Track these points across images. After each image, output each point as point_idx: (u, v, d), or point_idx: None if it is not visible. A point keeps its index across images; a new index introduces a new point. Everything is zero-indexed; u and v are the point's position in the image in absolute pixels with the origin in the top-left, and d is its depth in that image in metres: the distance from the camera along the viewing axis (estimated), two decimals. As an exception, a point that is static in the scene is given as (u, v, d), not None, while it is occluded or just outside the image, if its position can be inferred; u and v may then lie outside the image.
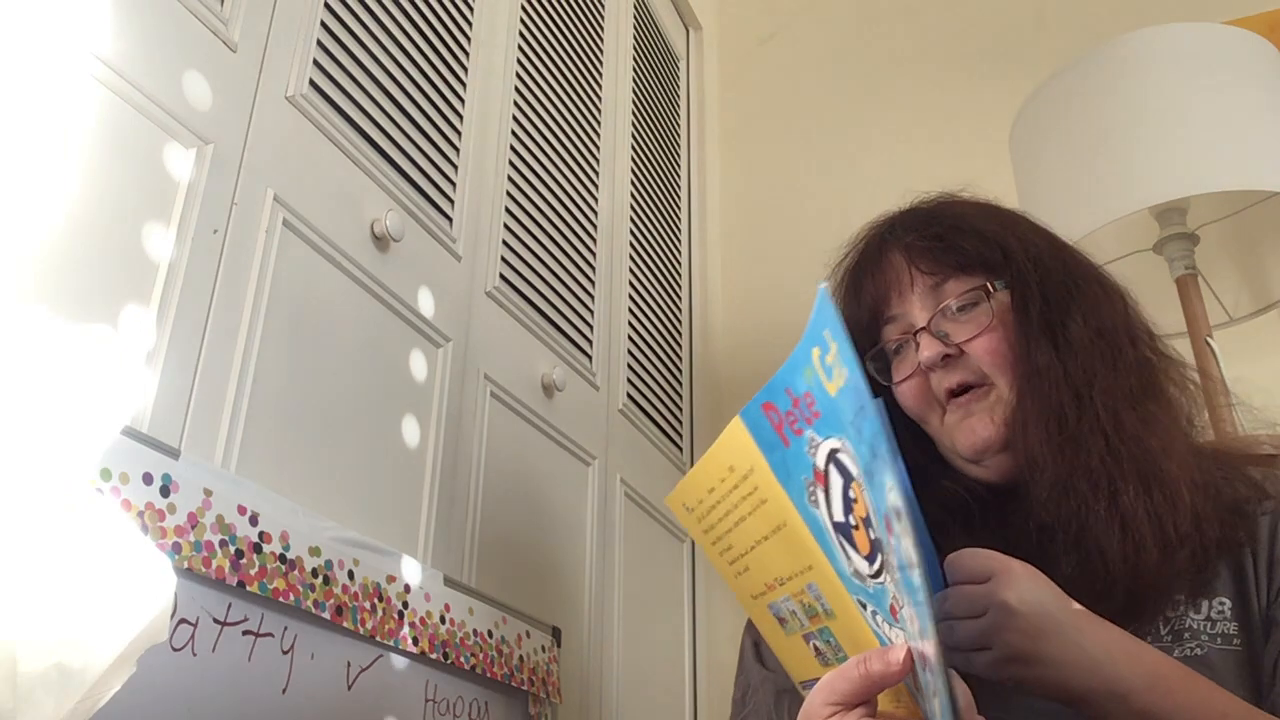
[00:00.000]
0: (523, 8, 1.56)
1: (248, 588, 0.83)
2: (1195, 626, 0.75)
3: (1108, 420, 0.78)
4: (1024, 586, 0.68)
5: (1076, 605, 0.69)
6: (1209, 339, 1.42)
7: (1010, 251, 0.86)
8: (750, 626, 0.91)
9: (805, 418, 0.63)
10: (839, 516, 0.62)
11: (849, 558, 0.62)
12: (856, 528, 0.61)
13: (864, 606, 0.62)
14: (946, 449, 0.86)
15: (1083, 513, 0.75)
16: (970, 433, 0.83)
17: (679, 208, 2.12)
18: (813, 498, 0.64)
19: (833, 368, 0.61)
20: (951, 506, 0.83)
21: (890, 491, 0.56)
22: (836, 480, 0.62)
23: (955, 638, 0.69)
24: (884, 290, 0.88)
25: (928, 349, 0.83)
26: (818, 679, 0.62)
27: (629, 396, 1.70)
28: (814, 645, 0.69)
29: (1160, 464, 0.76)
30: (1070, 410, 0.79)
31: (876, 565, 0.60)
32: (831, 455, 0.61)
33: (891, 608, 0.60)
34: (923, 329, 0.84)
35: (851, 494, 0.61)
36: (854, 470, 0.59)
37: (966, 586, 0.69)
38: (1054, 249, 0.88)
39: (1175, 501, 0.75)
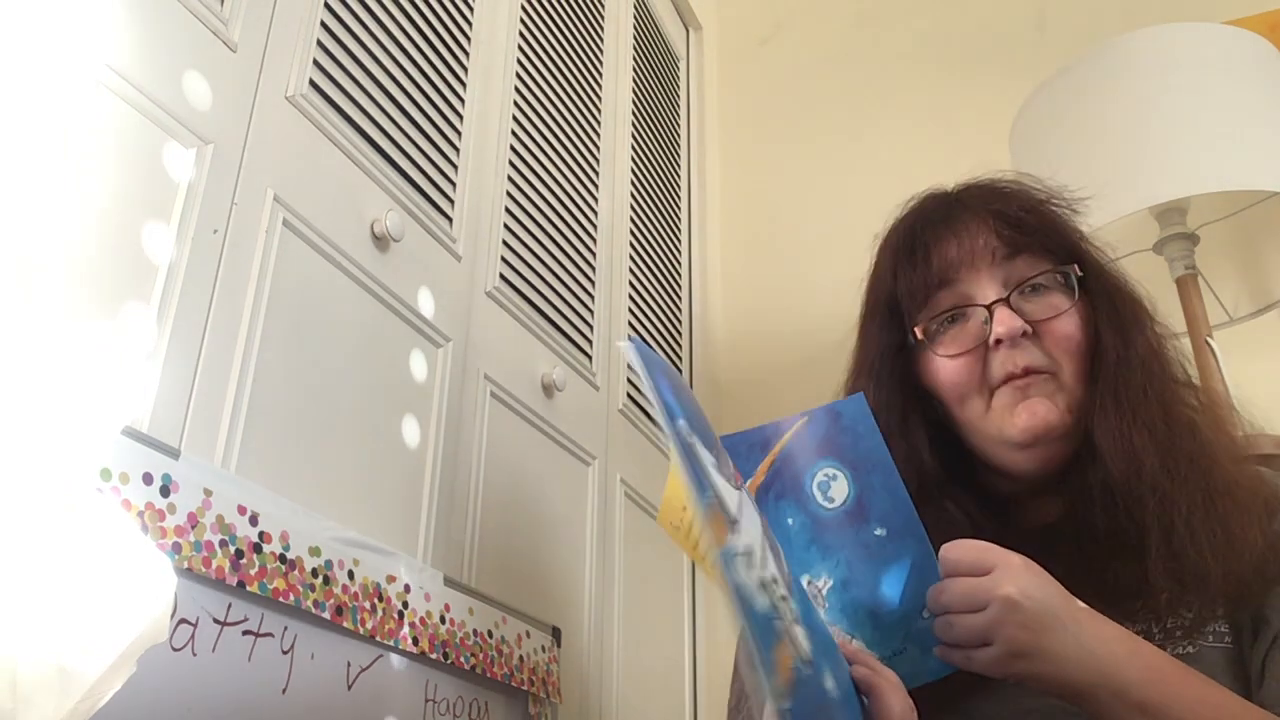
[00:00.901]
0: (523, 8, 1.56)
1: (248, 588, 0.83)
2: (1187, 624, 0.75)
3: (1187, 424, 0.78)
4: (1026, 580, 0.67)
5: (1075, 600, 0.69)
6: (1209, 339, 1.42)
7: (1082, 245, 0.85)
8: None
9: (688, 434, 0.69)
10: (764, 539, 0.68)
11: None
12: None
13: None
14: (985, 435, 0.83)
15: (1167, 516, 0.74)
16: (1031, 414, 0.79)
17: (679, 208, 2.12)
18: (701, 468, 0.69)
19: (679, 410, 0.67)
20: (947, 523, 0.81)
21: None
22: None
23: (954, 633, 0.68)
24: (957, 254, 0.83)
25: (1007, 322, 0.79)
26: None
27: (629, 397, 1.70)
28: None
29: (1231, 474, 0.76)
30: (1156, 409, 0.78)
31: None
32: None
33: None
34: (1000, 301, 0.81)
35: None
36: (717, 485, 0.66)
37: (966, 580, 0.68)
38: (1105, 256, 0.88)
39: (1244, 512, 0.74)
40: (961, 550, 0.69)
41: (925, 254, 0.85)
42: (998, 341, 0.80)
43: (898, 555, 0.71)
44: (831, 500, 0.72)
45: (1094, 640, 0.67)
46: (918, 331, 0.85)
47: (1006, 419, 0.81)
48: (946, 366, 0.83)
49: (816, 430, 0.73)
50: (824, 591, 0.72)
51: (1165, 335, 0.86)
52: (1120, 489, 0.76)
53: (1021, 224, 0.83)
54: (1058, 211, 0.86)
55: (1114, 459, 0.77)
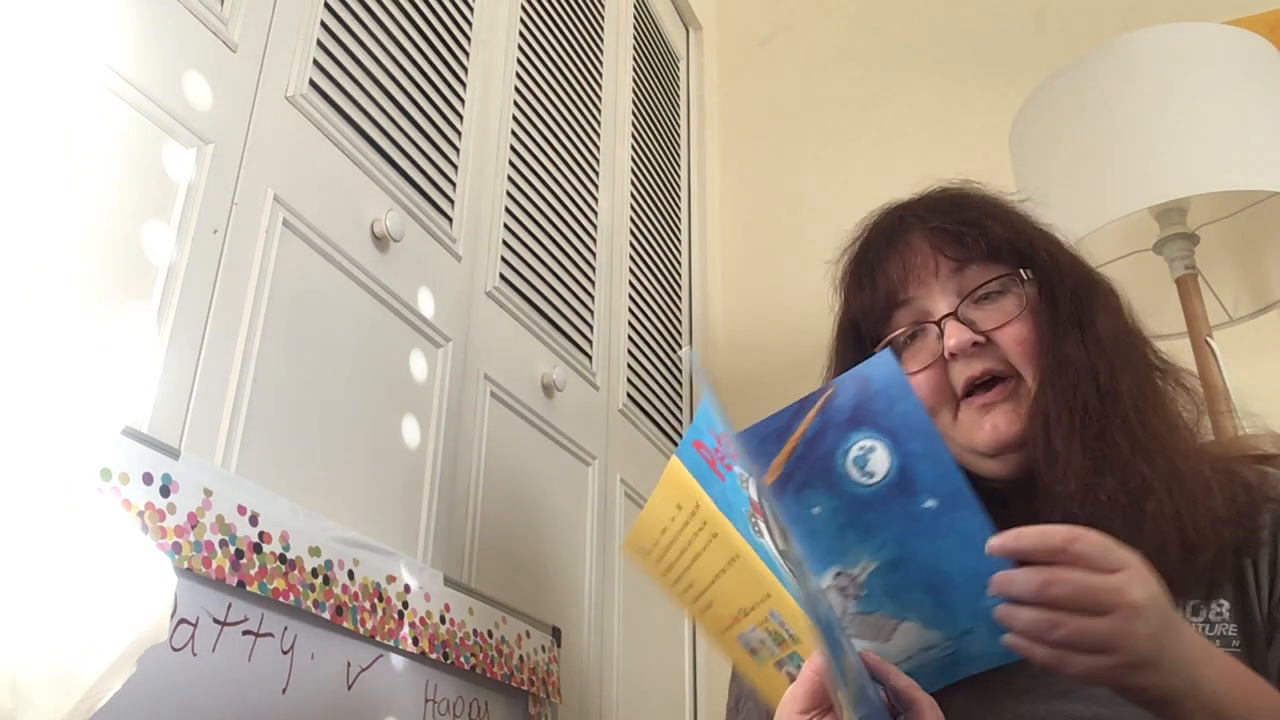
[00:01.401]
0: (523, 8, 1.56)
1: (248, 588, 0.83)
2: (1194, 629, 0.75)
3: (1135, 419, 0.77)
4: (1151, 584, 0.62)
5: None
6: (1209, 339, 1.42)
7: (1035, 243, 0.85)
8: None
9: (731, 455, 0.65)
10: (782, 544, 0.64)
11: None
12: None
13: None
14: (957, 444, 0.83)
15: (1108, 511, 0.73)
16: (994, 428, 0.80)
17: (679, 208, 2.13)
18: (755, 528, 0.65)
19: (724, 418, 0.63)
20: None
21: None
22: (768, 511, 0.64)
23: (1060, 634, 0.61)
24: (902, 274, 0.84)
25: (956, 335, 0.80)
26: None
27: (629, 396, 1.70)
28: (786, 671, 0.69)
29: (1182, 465, 0.75)
30: (1095, 406, 0.77)
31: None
32: (759, 488, 0.64)
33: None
34: (949, 315, 0.81)
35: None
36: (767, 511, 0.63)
37: (1083, 577, 0.61)
38: (1066, 247, 0.88)
39: (1196, 504, 0.73)
40: (1088, 543, 0.61)
41: (871, 276, 0.86)
42: (952, 355, 0.81)
43: (953, 527, 0.64)
44: (871, 475, 0.65)
45: (1190, 645, 0.63)
46: (877, 352, 0.86)
47: (974, 431, 0.81)
48: (913, 383, 0.84)
49: (845, 400, 0.66)
50: (863, 577, 0.66)
51: (1132, 322, 0.86)
52: (1067, 486, 0.76)
53: (962, 236, 0.84)
54: (1001, 216, 0.86)
55: (1053, 458, 0.77)
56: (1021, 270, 0.83)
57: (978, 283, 0.83)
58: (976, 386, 0.82)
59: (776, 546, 0.64)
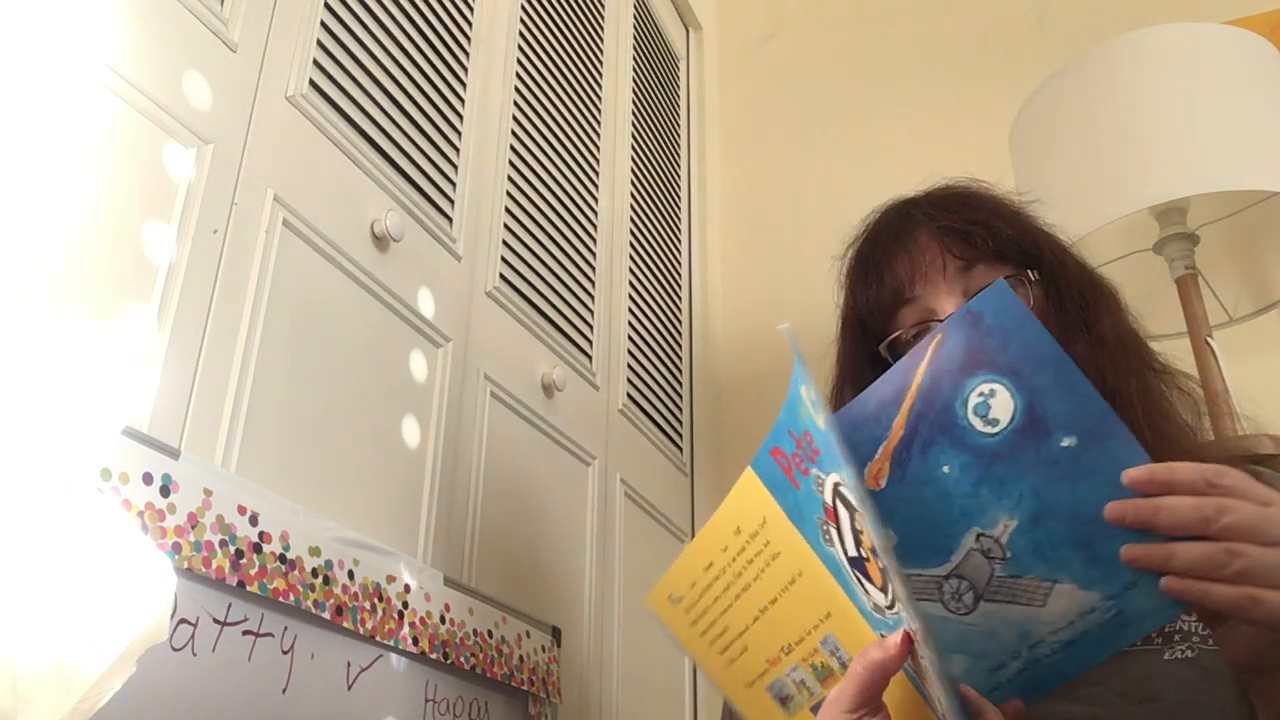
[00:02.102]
0: (523, 8, 1.56)
1: (248, 588, 0.83)
2: (1186, 629, 0.75)
3: (1142, 420, 0.76)
4: None
5: None
6: (1209, 339, 1.42)
7: (1041, 244, 0.85)
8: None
9: (809, 456, 0.61)
10: (851, 551, 0.60)
11: (867, 592, 0.60)
12: (868, 560, 0.59)
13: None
14: None
15: None
16: None
17: (679, 208, 2.12)
18: (827, 536, 0.62)
19: (819, 401, 0.59)
20: None
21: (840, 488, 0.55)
22: (844, 514, 0.60)
23: (1240, 566, 0.54)
24: (909, 271, 0.84)
25: None
26: None
27: (629, 396, 1.70)
28: None
29: (1189, 452, 0.75)
30: (1129, 397, 0.77)
31: (890, 595, 0.59)
32: (836, 490, 0.60)
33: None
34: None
35: (857, 525, 0.59)
36: (854, 500, 0.58)
37: (1258, 506, 0.56)
38: (1070, 249, 0.88)
39: None
40: (1204, 470, 0.56)
41: (878, 273, 0.86)
42: None
43: (1098, 465, 0.57)
44: (995, 423, 0.59)
45: None
46: (881, 350, 0.85)
47: None
48: None
49: (955, 345, 0.60)
50: (1005, 538, 0.59)
51: (1134, 324, 0.86)
52: None
53: (971, 236, 0.84)
54: (1009, 217, 0.86)
55: None
56: (1029, 271, 0.83)
57: (984, 283, 0.82)
58: None
59: (847, 553, 0.60)
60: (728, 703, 0.85)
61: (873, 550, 0.58)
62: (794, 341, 0.59)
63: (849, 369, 0.90)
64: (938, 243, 0.84)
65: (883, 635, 0.60)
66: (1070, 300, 0.82)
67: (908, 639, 0.57)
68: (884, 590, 0.58)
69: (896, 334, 0.85)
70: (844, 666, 0.63)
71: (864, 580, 0.60)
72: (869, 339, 0.88)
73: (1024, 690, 0.61)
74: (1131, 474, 0.56)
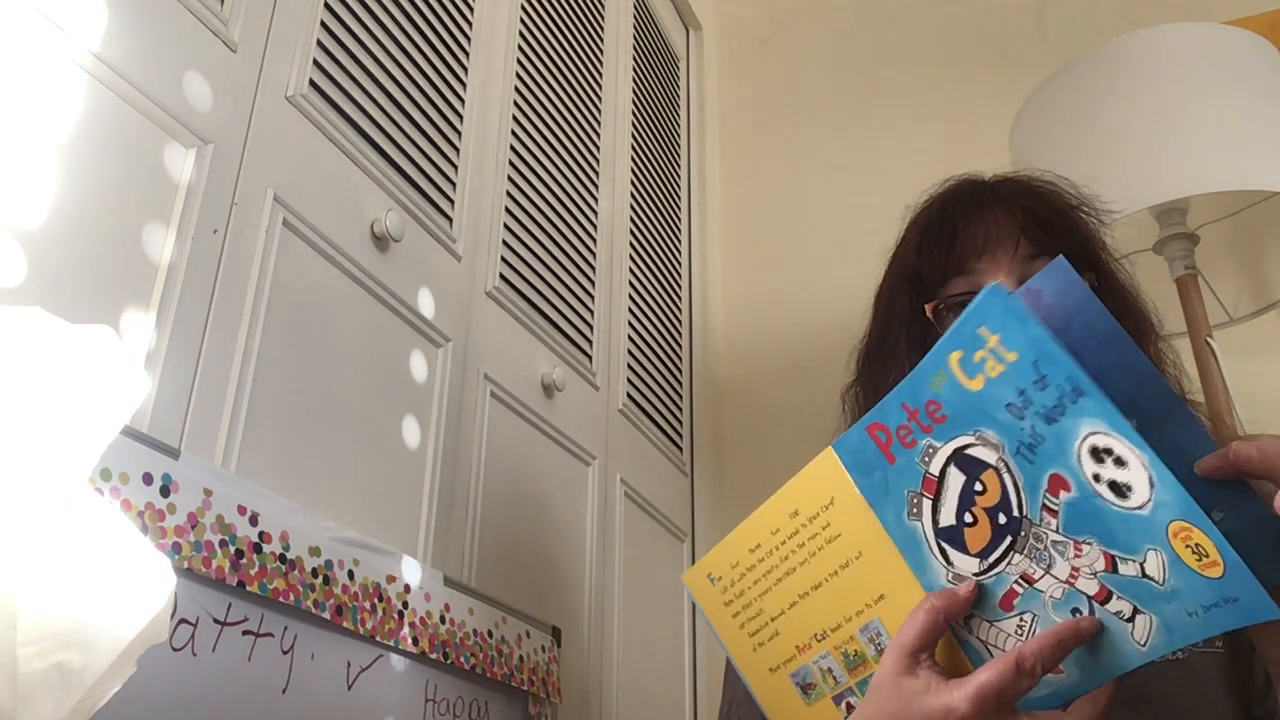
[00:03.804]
0: (523, 8, 1.56)
1: (248, 588, 0.83)
2: None
3: None
4: None
5: None
6: (1209, 339, 1.42)
7: (1102, 254, 0.85)
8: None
9: (923, 426, 0.62)
10: (948, 520, 0.61)
11: (949, 564, 0.61)
12: (973, 524, 0.60)
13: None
14: None
15: None
16: None
17: (679, 208, 2.12)
18: (914, 511, 0.63)
19: (982, 362, 0.58)
20: None
21: (1089, 436, 0.53)
22: (956, 480, 0.60)
23: None
24: (980, 241, 0.83)
25: None
26: None
27: (629, 396, 1.70)
28: (846, 704, 0.67)
29: None
30: None
31: (993, 557, 0.59)
32: (955, 456, 0.61)
33: (1010, 593, 0.59)
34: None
35: (978, 486, 0.60)
36: (989, 458, 0.59)
37: None
38: (1123, 268, 0.88)
39: None
40: None
41: (952, 234, 0.85)
42: None
43: (1159, 448, 0.53)
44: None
45: None
46: (928, 309, 0.85)
47: None
48: None
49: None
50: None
51: (1166, 350, 0.86)
52: None
53: (1049, 225, 0.84)
54: (1085, 219, 0.86)
55: None
56: (1092, 275, 0.83)
57: None
58: None
59: (939, 524, 0.61)
60: (731, 664, 0.83)
61: (992, 509, 0.59)
62: (1001, 294, 0.56)
63: (905, 321, 0.89)
64: (1015, 223, 0.84)
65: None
66: (1119, 311, 0.82)
67: (975, 588, 0.59)
68: (981, 555, 0.59)
69: (945, 297, 0.84)
70: (879, 654, 0.64)
71: (951, 550, 0.61)
72: (915, 297, 0.88)
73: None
74: (1203, 463, 0.56)
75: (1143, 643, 0.56)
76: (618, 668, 1.49)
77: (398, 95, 1.21)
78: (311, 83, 1.07)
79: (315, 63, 1.09)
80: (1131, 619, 0.56)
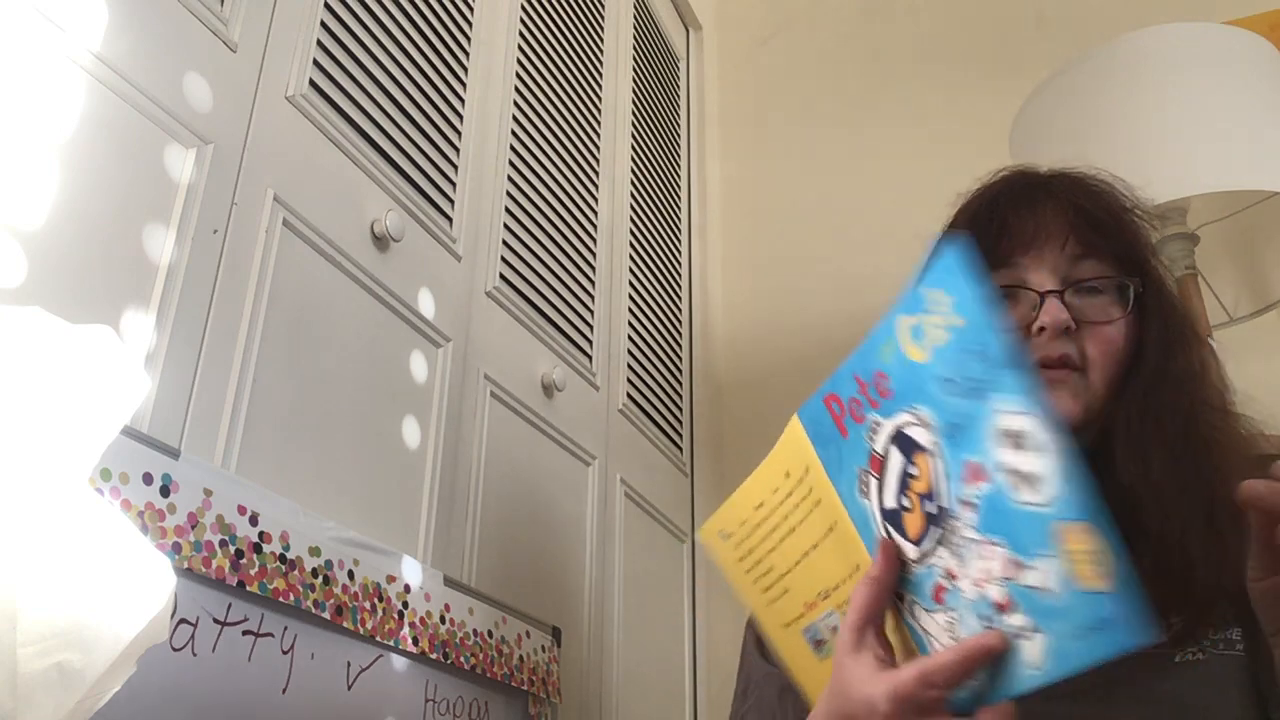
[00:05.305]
0: (523, 8, 1.56)
1: (248, 588, 0.83)
2: (1178, 633, 0.75)
3: (1205, 443, 0.77)
4: None
5: None
6: (1209, 339, 1.42)
7: (1149, 260, 0.85)
8: (753, 621, 0.90)
9: (870, 401, 0.60)
10: (889, 503, 0.60)
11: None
12: (909, 510, 0.58)
13: (900, 599, 0.61)
14: None
15: (1163, 526, 0.73)
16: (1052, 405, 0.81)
17: (679, 208, 2.13)
18: (863, 488, 0.62)
19: (927, 329, 0.56)
20: None
21: (1002, 415, 0.51)
22: (895, 461, 0.59)
23: None
24: (1029, 234, 0.83)
25: (1055, 314, 0.79)
26: None
27: (629, 396, 1.70)
28: None
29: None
30: (1178, 427, 0.77)
31: (924, 548, 0.57)
32: (896, 435, 0.59)
33: (939, 587, 0.57)
34: (1056, 293, 0.81)
35: (912, 470, 0.58)
36: (924, 439, 0.57)
37: None
38: (1168, 277, 0.88)
39: (1244, 537, 0.74)
40: None
41: (1002, 224, 0.84)
42: (1040, 329, 0.80)
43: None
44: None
45: None
46: None
47: None
48: None
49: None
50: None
51: (1210, 360, 0.86)
52: (1126, 492, 0.76)
53: (1100, 226, 0.83)
54: (1137, 223, 0.86)
55: (1125, 462, 0.77)
56: (1137, 280, 0.83)
57: (1089, 275, 0.82)
58: (1044, 366, 0.81)
59: (884, 505, 0.60)
60: (753, 620, 0.83)
61: (923, 495, 0.57)
62: (949, 250, 0.55)
63: None
64: (1066, 220, 0.83)
65: (899, 596, 0.60)
66: (1159, 319, 0.82)
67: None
68: (916, 543, 0.58)
69: (1000, 288, 0.82)
70: None
71: (894, 533, 0.60)
72: None
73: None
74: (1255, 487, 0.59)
75: (1036, 666, 0.53)
76: (618, 668, 1.49)
77: (398, 95, 1.21)
78: (311, 83, 1.07)
79: (315, 63, 1.09)
80: (1029, 637, 0.52)
